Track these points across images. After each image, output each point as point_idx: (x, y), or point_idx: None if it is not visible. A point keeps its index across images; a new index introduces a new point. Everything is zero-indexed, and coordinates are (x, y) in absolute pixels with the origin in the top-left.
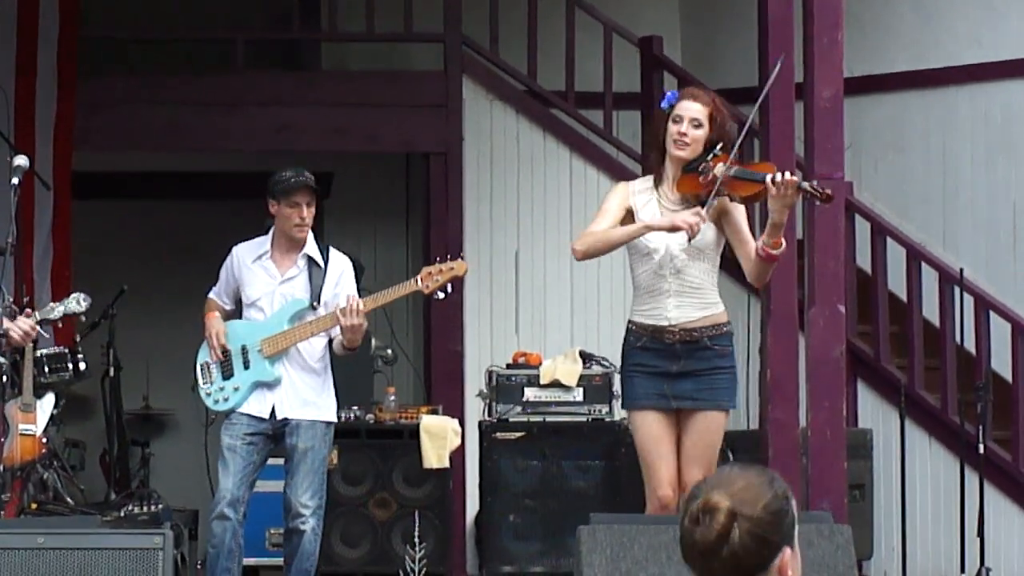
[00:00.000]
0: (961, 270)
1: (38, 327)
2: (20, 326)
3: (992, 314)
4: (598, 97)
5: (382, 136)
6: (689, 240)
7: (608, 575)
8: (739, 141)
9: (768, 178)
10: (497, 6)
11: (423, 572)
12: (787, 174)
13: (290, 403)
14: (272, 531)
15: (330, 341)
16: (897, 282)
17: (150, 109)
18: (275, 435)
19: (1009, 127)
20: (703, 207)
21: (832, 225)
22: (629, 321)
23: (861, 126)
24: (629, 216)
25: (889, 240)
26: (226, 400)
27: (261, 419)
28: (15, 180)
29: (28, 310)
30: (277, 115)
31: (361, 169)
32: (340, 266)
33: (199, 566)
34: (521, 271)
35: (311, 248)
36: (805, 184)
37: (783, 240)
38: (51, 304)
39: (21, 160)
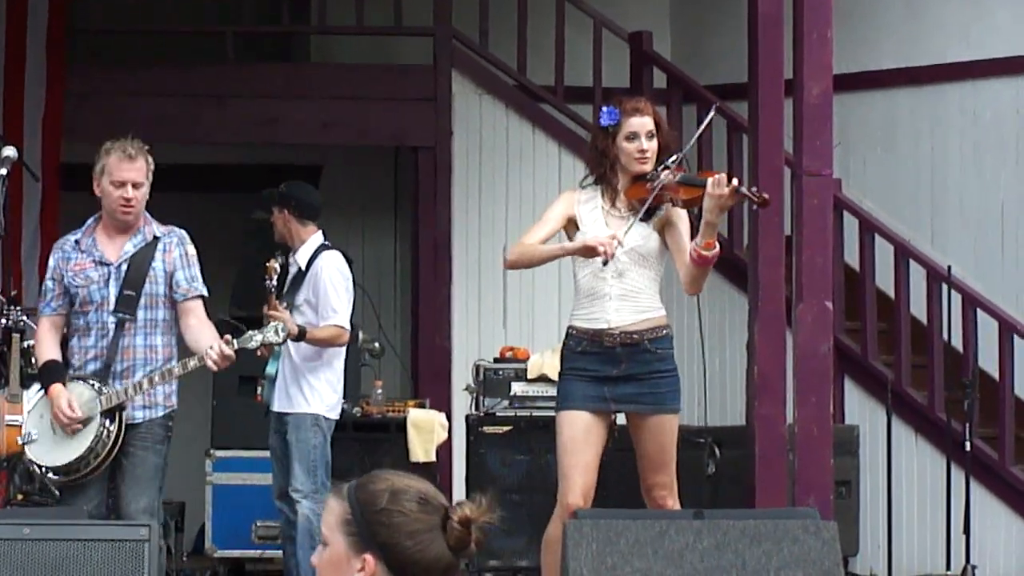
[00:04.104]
0: (949, 267)
1: (233, 355)
2: (221, 351)
3: (979, 312)
4: (588, 92)
5: (371, 129)
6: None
7: (594, 569)
8: (686, 151)
9: (709, 181)
10: (487, 1)
11: None
12: (724, 177)
13: (279, 398)
14: (259, 524)
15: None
16: (885, 279)
17: (139, 101)
18: (282, 429)
19: (997, 125)
20: (645, 210)
21: (820, 222)
22: (569, 326)
23: (850, 123)
24: (571, 225)
25: (877, 237)
26: (261, 394)
27: (275, 415)
28: (3, 171)
29: (228, 336)
30: (266, 108)
31: (350, 162)
32: (315, 269)
33: (185, 558)
34: None
35: (299, 254)
36: (743, 189)
37: (716, 243)
38: (250, 332)
39: (9, 151)
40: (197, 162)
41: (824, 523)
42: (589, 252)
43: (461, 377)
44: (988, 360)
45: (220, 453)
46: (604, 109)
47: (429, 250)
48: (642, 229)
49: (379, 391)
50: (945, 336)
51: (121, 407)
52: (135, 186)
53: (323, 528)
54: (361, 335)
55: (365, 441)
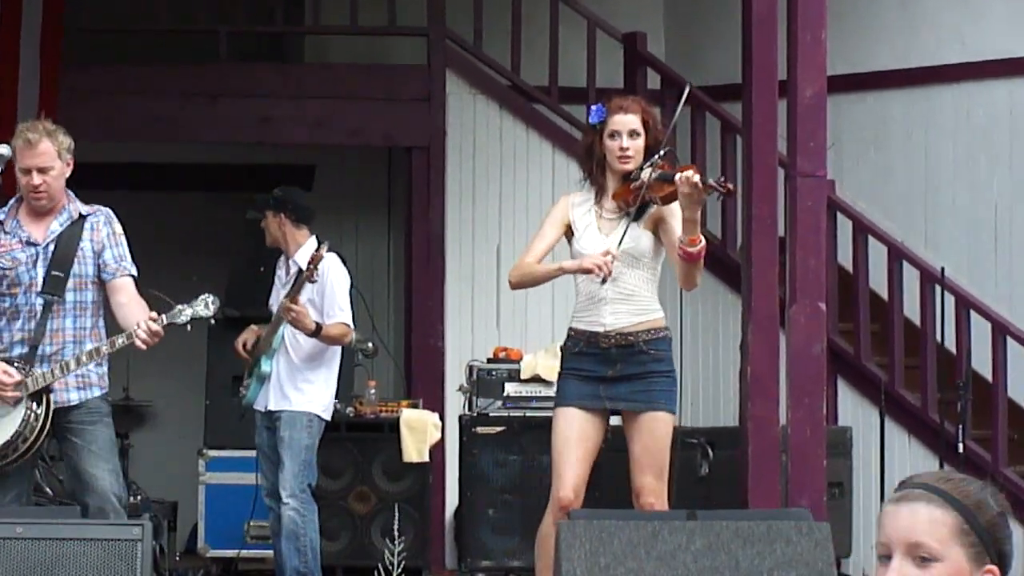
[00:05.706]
0: (942, 269)
1: (161, 331)
2: (148, 328)
3: (973, 313)
4: (581, 93)
5: (364, 129)
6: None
7: (587, 570)
8: (665, 146)
9: (677, 176)
10: (481, 1)
11: (402, 566)
12: (691, 172)
13: (275, 396)
14: (251, 524)
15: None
16: (878, 280)
17: (133, 100)
18: (274, 427)
19: (990, 127)
20: (630, 213)
21: (814, 223)
22: (569, 328)
23: (844, 124)
24: (570, 231)
25: (870, 238)
26: (246, 394)
27: (263, 413)
28: None
29: (154, 313)
30: (260, 107)
31: (343, 162)
32: (320, 270)
33: (178, 557)
34: (502, 266)
35: (298, 257)
36: (710, 180)
37: (701, 239)
38: (179, 307)
39: (4, 150)
40: (190, 161)
41: (817, 524)
42: (586, 272)
43: (454, 377)
44: (981, 362)
45: (213, 453)
46: (593, 107)
47: (422, 250)
48: (632, 230)
49: (372, 391)
50: (938, 337)
51: (48, 390)
52: (41, 171)
53: (930, 542)
54: (354, 335)
55: (358, 441)
